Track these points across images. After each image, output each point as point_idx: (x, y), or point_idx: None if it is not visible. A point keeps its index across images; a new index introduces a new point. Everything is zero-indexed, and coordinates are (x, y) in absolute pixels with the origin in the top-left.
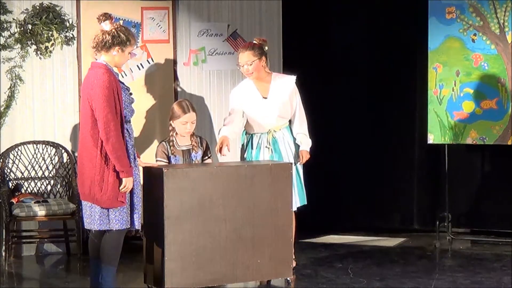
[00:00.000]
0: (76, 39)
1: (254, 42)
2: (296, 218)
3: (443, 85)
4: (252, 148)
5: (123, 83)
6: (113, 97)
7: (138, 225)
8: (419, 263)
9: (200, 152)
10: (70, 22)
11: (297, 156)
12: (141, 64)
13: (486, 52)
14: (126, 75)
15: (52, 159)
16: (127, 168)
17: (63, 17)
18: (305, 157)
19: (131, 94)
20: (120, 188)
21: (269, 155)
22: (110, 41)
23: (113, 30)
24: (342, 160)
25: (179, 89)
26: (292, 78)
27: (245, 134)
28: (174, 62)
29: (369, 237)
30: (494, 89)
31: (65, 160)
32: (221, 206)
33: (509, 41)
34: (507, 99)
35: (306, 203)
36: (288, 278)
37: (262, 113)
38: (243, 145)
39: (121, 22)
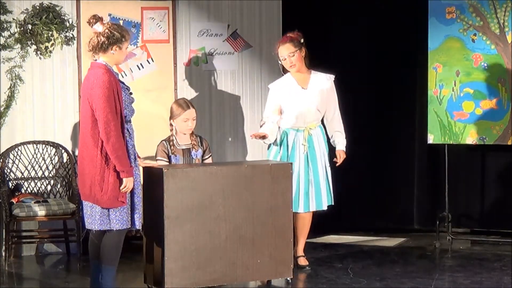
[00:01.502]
0: (76, 39)
1: (290, 35)
2: (312, 219)
3: (443, 85)
4: (287, 146)
5: (123, 83)
6: (113, 97)
7: (138, 225)
8: (419, 263)
9: (200, 151)
10: (70, 22)
11: (329, 156)
12: (141, 64)
13: (486, 52)
14: (126, 75)
15: (52, 159)
16: (127, 168)
17: (63, 17)
18: (342, 157)
19: (131, 93)
20: (121, 188)
21: (304, 153)
22: (106, 42)
23: (106, 31)
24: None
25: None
26: (331, 76)
27: (279, 129)
28: (174, 62)
29: (369, 237)
30: (494, 89)
31: (65, 160)
32: (221, 206)
33: (509, 41)
34: (507, 99)
35: (332, 203)
36: (288, 278)
37: (302, 103)
38: (275, 140)
39: (121, 22)
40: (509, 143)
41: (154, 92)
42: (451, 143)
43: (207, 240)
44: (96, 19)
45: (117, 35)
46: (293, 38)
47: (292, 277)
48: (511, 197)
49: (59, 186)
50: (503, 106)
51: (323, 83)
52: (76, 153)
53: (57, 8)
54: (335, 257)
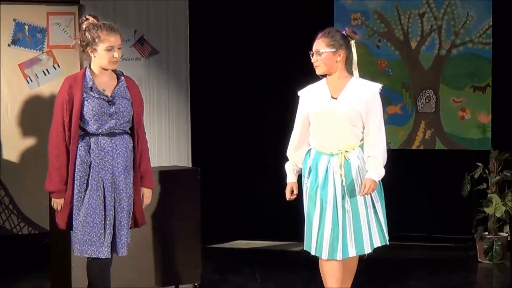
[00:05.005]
0: None
1: (332, 30)
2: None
3: None
4: (317, 175)
5: (98, 91)
6: (62, 108)
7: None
8: None
9: None
10: None
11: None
12: (47, 69)
13: (391, 58)
14: (32, 81)
15: None
16: (53, 188)
17: None
18: (368, 187)
19: (110, 103)
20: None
21: (340, 182)
22: (80, 45)
23: (81, 33)
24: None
25: None
26: (377, 86)
27: (309, 154)
28: (80, 67)
29: (277, 241)
30: (399, 94)
31: None
32: None
33: (413, 47)
34: (411, 104)
35: (387, 243)
36: (196, 284)
37: (330, 117)
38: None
39: (26, 27)
40: (413, 147)
41: None
42: None
43: None
44: (80, 22)
45: (88, 37)
46: (335, 34)
47: (200, 282)
48: (415, 202)
49: None
50: (408, 111)
51: (362, 92)
52: None
53: None
54: (243, 263)
